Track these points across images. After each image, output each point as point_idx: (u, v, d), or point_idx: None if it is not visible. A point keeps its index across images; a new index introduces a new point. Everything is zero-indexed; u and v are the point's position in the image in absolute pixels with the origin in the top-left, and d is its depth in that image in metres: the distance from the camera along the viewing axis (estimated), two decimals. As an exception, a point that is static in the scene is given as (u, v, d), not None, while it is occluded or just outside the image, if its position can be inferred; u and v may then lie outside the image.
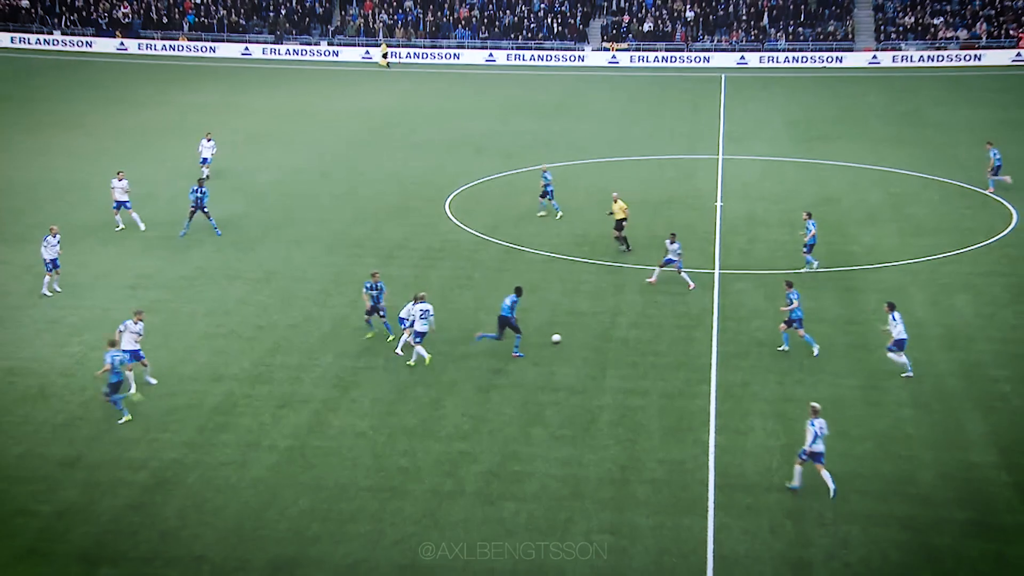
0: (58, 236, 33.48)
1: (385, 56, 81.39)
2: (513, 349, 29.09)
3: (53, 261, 33.23)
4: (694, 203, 43.91)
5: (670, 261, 33.48)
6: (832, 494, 22.20)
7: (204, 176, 45.37)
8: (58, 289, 33.45)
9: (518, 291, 29.41)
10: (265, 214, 42.57)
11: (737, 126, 58.90)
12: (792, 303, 28.67)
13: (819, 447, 22.38)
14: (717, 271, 35.53)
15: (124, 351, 26.40)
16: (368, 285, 30.07)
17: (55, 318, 31.70)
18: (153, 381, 27.20)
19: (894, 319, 27.46)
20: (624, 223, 37.10)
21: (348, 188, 46.64)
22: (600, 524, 21.49)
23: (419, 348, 28.59)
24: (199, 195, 38.87)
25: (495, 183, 47.06)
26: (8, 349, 29.54)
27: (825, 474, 22.39)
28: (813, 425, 22.38)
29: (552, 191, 41.46)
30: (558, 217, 41.34)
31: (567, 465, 23.68)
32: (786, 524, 21.44)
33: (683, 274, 33.67)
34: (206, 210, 39.08)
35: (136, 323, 26.81)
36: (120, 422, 25.30)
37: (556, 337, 29.84)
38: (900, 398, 26.66)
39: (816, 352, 28.76)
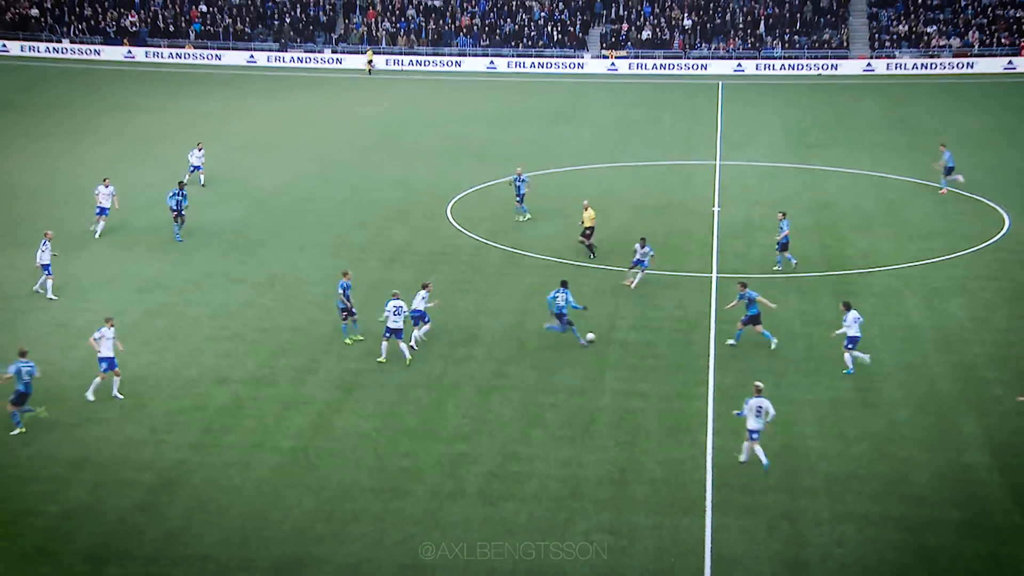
0: (50, 242, 33.87)
1: (370, 62, 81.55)
2: (577, 339, 29.85)
3: (47, 266, 33.73)
4: (692, 208, 44.23)
5: (638, 262, 34.35)
6: (765, 468, 23.15)
7: (200, 182, 45.89)
8: (39, 292, 33.84)
9: (564, 284, 30.13)
10: (269, 218, 42.90)
11: (734, 132, 59.18)
12: (747, 301, 29.60)
13: (753, 424, 23.32)
14: (715, 275, 35.86)
15: (101, 358, 26.73)
16: (343, 285, 30.39)
17: (62, 321, 32.03)
18: (120, 396, 27.07)
19: (845, 320, 28.33)
20: (591, 231, 37.65)
21: (351, 193, 46.96)
22: (599, 524, 21.76)
23: (384, 344, 28.98)
24: (179, 198, 39.31)
25: (496, 189, 47.34)
26: (16, 351, 29.74)
27: (758, 449, 23.27)
28: (747, 403, 23.36)
29: (524, 195, 41.87)
30: (521, 219, 41.76)
31: (567, 466, 23.97)
32: (783, 524, 21.73)
33: (642, 273, 34.35)
34: (184, 213, 39.46)
35: (110, 328, 27.02)
36: (12, 433, 25.19)
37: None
38: (895, 399, 27.00)
39: (732, 343, 29.81)
